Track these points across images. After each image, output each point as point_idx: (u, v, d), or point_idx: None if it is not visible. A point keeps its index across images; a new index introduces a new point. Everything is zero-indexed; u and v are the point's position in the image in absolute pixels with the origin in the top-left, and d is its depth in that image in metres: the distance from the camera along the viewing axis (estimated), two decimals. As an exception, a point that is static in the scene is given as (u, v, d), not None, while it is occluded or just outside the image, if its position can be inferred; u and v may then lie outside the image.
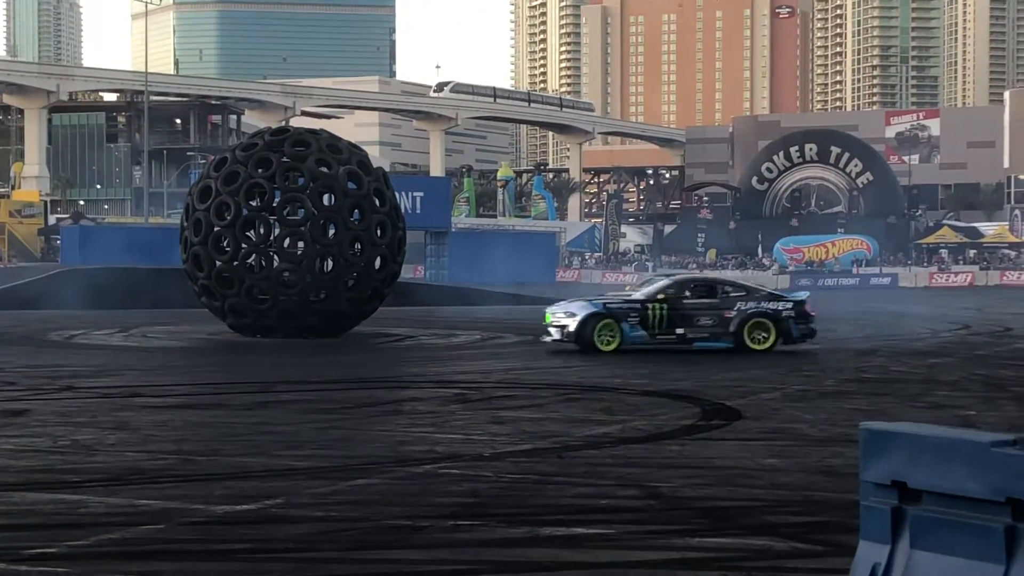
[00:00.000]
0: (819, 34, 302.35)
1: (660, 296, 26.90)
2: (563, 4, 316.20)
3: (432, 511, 9.83)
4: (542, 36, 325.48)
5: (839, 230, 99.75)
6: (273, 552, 8.65)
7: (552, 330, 27.00)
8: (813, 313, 27.39)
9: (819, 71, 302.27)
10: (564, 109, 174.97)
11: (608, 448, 13.36)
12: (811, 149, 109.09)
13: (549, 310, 27.85)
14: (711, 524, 9.60)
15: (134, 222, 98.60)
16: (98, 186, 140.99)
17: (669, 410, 16.71)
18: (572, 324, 26.48)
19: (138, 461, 12.49)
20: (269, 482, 11.24)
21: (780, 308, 26.98)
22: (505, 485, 11.07)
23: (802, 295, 28.50)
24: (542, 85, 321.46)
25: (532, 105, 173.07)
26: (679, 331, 26.65)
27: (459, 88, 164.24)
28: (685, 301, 26.91)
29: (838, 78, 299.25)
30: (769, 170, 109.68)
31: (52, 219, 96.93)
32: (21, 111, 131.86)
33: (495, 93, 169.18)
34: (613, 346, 26.28)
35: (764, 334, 26.70)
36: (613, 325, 26.42)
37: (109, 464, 12.32)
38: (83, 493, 10.59)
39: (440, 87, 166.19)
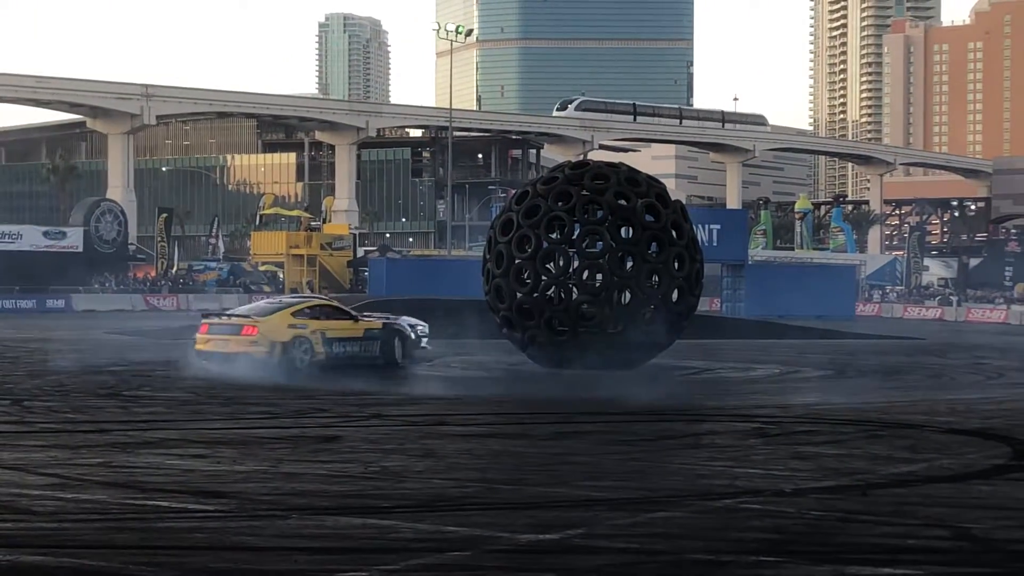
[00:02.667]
0: None
1: None
2: (864, 35, 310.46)
3: (734, 546, 9.76)
4: (842, 67, 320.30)
5: None
6: (577, 582, 8.73)
7: None
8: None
9: None
10: (726, 125, 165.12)
11: (914, 487, 13.04)
12: None
13: None
14: (1026, 569, 9.28)
15: (437, 254, 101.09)
16: (403, 219, 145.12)
17: (977, 449, 16.20)
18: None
19: (444, 488, 12.80)
20: (570, 512, 11.36)
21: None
22: (809, 522, 10.92)
23: None
24: (841, 115, 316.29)
25: (684, 123, 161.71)
26: None
27: (588, 105, 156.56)
28: None
29: None
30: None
31: (360, 251, 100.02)
32: (332, 147, 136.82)
33: (635, 110, 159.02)
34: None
35: None
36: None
37: (417, 490, 12.66)
38: (393, 518, 10.90)
39: (564, 105, 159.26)
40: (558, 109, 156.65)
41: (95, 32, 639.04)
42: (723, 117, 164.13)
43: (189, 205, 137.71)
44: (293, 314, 29.34)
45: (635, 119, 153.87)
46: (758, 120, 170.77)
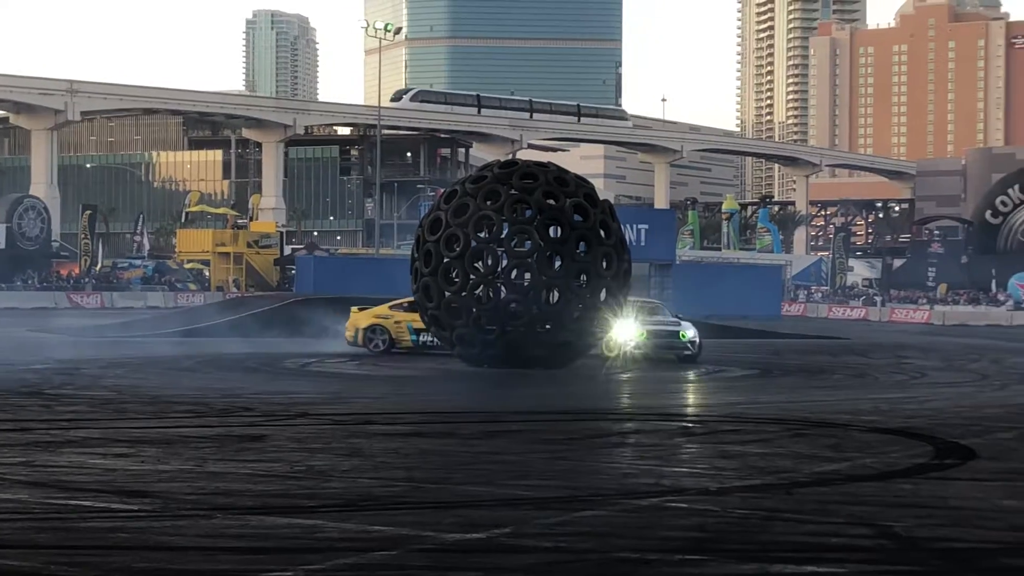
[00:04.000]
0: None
1: None
2: (791, 37, 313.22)
3: (660, 545, 9.79)
4: (769, 68, 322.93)
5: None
6: (503, 581, 8.72)
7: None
8: None
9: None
10: (582, 120, 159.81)
11: (838, 485, 13.14)
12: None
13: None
14: (948, 566, 9.36)
15: (365, 253, 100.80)
16: (331, 217, 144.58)
17: (900, 448, 16.34)
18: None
19: (371, 487, 12.74)
20: (498, 511, 11.35)
21: None
22: (733, 520, 10.96)
23: None
24: (768, 117, 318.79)
25: (535, 116, 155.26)
26: None
27: (425, 96, 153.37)
28: None
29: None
30: (1004, 204, 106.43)
31: (287, 250, 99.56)
32: (259, 145, 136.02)
33: (479, 102, 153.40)
34: None
35: None
36: None
37: (343, 490, 12.60)
38: (318, 518, 10.83)
39: (398, 96, 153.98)
40: (392, 100, 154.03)
41: (19, 27, 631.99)
42: (579, 111, 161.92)
43: (114, 202, 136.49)
44: (391, 307, 35.66)
45: (479, 111, 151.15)
46: (617, 115, 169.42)
